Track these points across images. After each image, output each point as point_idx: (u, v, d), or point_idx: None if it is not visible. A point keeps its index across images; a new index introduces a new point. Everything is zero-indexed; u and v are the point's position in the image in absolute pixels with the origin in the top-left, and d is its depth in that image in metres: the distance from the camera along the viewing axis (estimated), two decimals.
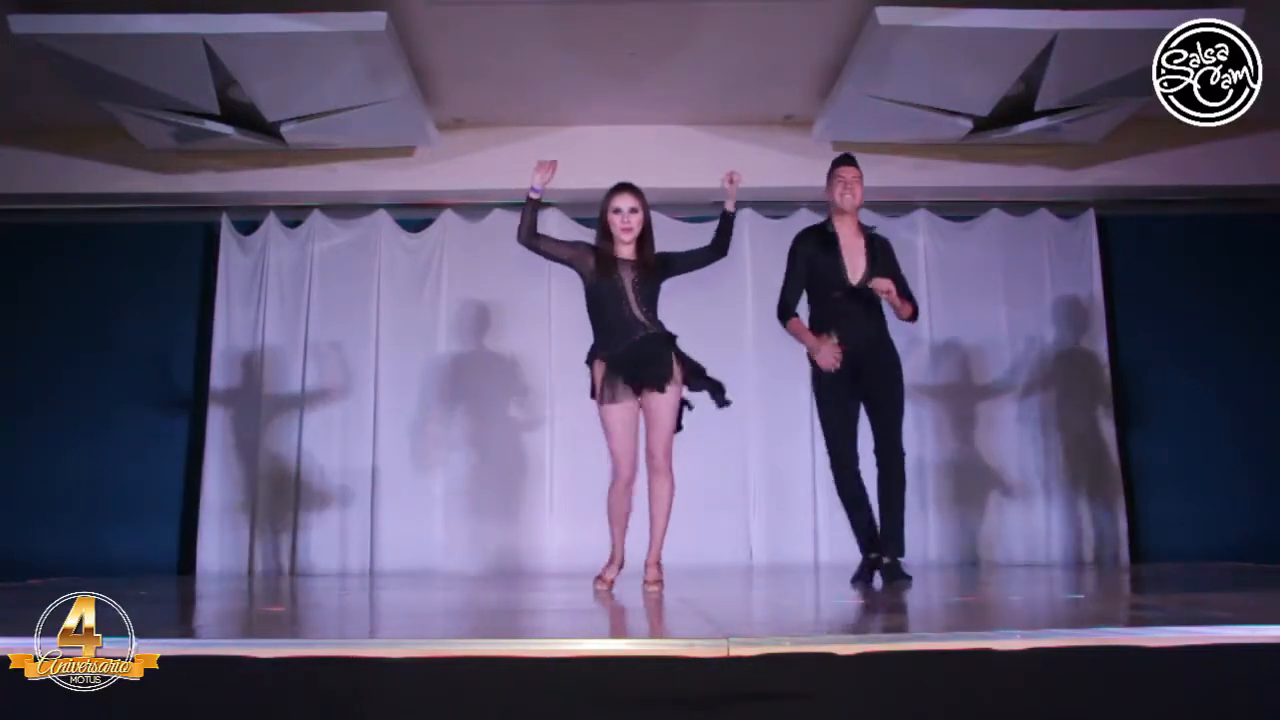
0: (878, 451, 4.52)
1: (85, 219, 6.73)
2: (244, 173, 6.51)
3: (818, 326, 4.52)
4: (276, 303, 6.66)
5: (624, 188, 4.30)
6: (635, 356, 4.21)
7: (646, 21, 5.33)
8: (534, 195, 4.25)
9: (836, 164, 4.66)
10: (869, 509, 4.52)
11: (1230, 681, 2.29)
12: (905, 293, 4.58)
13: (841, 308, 4.49)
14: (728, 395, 4.32)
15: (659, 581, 4.30)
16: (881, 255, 4.60)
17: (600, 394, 4.25)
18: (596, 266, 4.27)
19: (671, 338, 4.29)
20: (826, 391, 4.53)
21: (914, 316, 4.63)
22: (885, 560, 4.43)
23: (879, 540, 4.48)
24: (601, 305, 4.27)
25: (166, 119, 5.79)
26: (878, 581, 4.43)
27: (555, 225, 6.69)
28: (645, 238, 4.29)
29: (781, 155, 6.51)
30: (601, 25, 5.36)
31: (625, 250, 4.29)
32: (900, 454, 4.50)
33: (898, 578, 4.38)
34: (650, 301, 4.28)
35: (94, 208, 6.68)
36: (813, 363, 4.53)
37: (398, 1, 5.05)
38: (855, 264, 4.53)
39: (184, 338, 6.73)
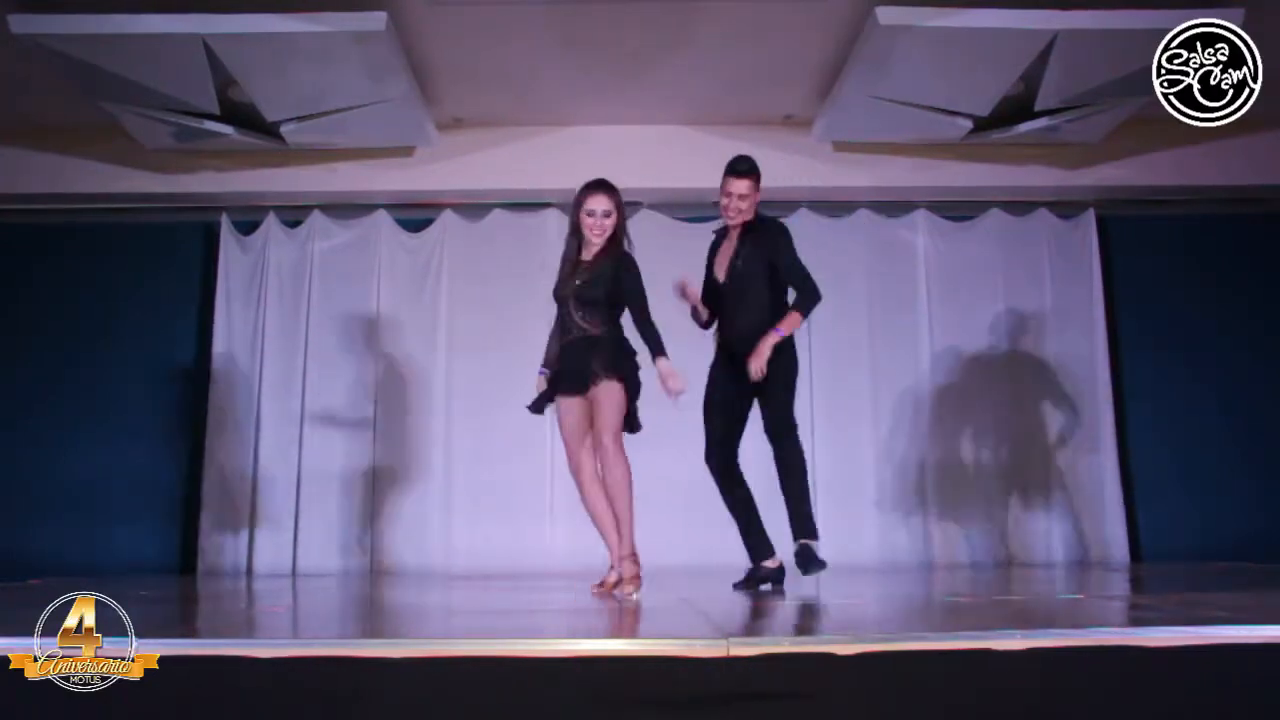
0: (766, 430, 4.41)
1: (85, 219, 6.73)
2: (244, 173, 6.51)
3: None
4: (276, 303, 6.67)
5: (598, 187, 4.23)
6: (563, 360, 4.24)
7: (646, 21, 5.33)
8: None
9: (725, 172, 4.42)
10: (752, 510, 4.41)
11: (1230, 681, 2.29)
12: (794, 283, 4.37)
13: (720, 306, 4.47)
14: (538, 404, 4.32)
15: (633, 579, 4.11)
16: (753, 244, 4.39)
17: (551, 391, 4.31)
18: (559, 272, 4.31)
19: (599, 339, 4.17)
20: (712, 386, 4.48)
21: (800, 315, 4.36)
22: (795, 544, 4.27)
23: (765, 545, 4.37)
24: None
25: (166, 119, 5.78)
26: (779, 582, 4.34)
27: (555, 225, 6.70)
28: (615, 240, 4.24)
29: (781, 155, 6.49)
30: (601, 25, 5.36)
31: (591, 249, 4.25)
32: (788, 426, 4.34)
33: (810, 563, 4.19)
34: (591, 305, 4.17)
35: (94, 208, 6.68)
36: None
37: (398, 1, 5.05)
38: (725, 260, 4.46)
39: (184, 338, 6.73)
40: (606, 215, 4.20)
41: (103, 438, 6.54)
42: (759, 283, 4.40)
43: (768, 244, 4.41)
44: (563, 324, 4.28)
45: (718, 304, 4.50)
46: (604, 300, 4.19)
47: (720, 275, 4.47)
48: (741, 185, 4.37)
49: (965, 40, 5.13)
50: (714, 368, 4.52)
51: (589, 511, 4.26)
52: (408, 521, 6.48)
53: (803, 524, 4.28)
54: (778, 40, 5.52)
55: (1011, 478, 6.57)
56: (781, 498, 4.33)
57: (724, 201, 4.41)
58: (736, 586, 4.42)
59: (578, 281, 4.21)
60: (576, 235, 4.29)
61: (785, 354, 4.39)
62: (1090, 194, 6.75)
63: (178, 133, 5.98)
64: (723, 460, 4.46)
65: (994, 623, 2.92)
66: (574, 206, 4.27)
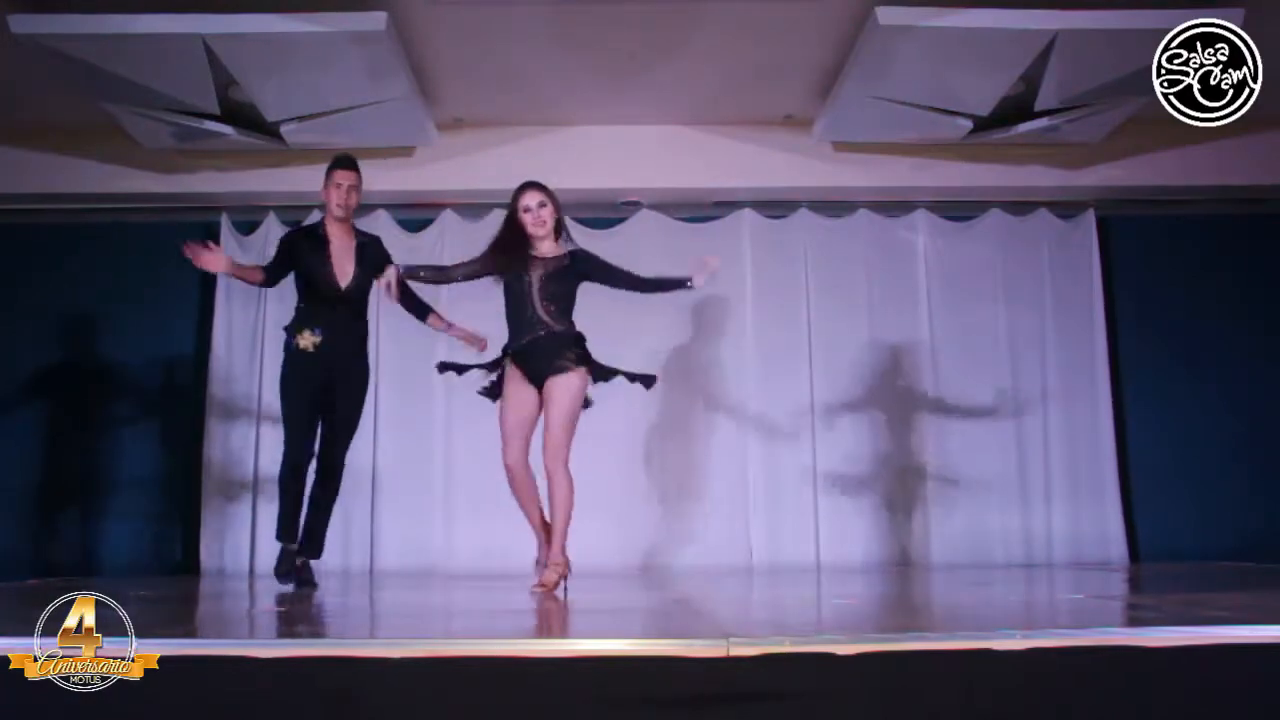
0: (322, 456, 4.74)
1: (85, 219, 6.72)
2: (244, 173, 6.50)
3: (302, 324, 4.68)
4: (276, 303, 6.64)
5: (530, 185, 4.36)
6: (533, 351, 4.28)
7: (646, 21, 5.33)
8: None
9: (333, 166, 4.75)
10: (303, 505, 4.73)
11: (1230, 681, 2.29)
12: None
13: (328, 312, 4.67)
14: (645, 375, 4.44)
15: (549, 584, 4.23)
16: (373, 256, 4.73)
17: (498, 387, 4.39)
18: (509, 266, 4.32)
19: (577, 337, 4.33)
20: (293, 389, 4.67)
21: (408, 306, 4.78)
22: (299, 561, 4.68)
23: (303, 539, 4.73)
24: (510, 304, 4.35)
25: (166, 119, 5.78)
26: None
27: None
28: (558, 233, 4.36)
29: (781, 155, 6.51)
30: (602, 25, 5.35)
31: (540, 247, 4.35)
32: (341, 464, 4.77)
33: (308, 583, 4.67)
34: (558, 300, 4.29)
35: (94, 208, 6.66)
36: (286, 357, 4.70)
37: (398, 1, 5.05)
38: (344, 269, 4.70)
39: (184, 338, 6.73)
40: (542, 205, 4.31)
41: (102, 438, 6.54)
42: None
43: (382, 252, 4.84)
44: (521, 322, 4.31)
45: (324, 309, 4.72)
46: (574, 293, 4.33)
47: (343, 282, 4.74)
48: (354, 176, 4.73)
49: (965, 40, 5.13)
50: (297, 378, 4.70)
51: (524, 507, 4.45)
52: (408, 521, 6.47)
53: (319, 545, 4.81)
54: (778, 40, 5.52)
55: (1011, 478, 6.57)
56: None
57: (332, 195, 4.71)
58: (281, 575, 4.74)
59: (538, 274, 4.28)
60: (516, 238, 4.33)
61: (366, 382, 4.98)
62: (1090, 194, 6.75)
63: (178, 133, 5.98)
64: (305, 469, 4.77)
65: (994, 623, 2.92)
66: (509, 213, 4.38)
